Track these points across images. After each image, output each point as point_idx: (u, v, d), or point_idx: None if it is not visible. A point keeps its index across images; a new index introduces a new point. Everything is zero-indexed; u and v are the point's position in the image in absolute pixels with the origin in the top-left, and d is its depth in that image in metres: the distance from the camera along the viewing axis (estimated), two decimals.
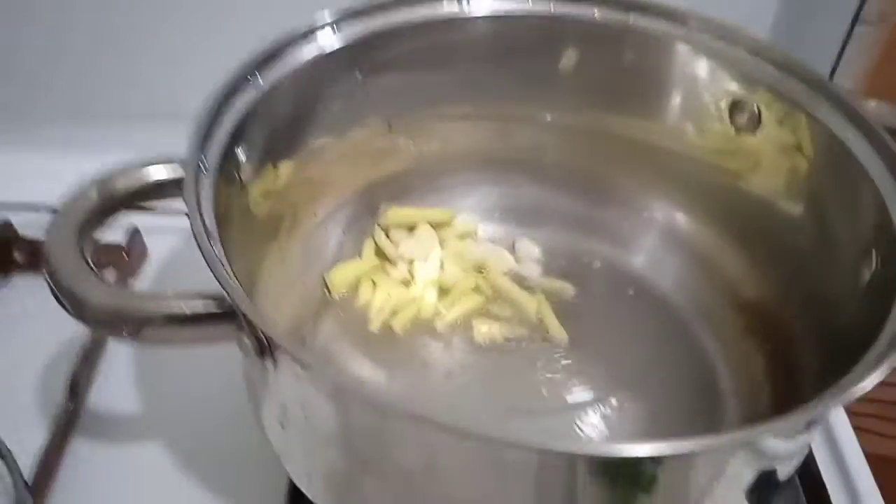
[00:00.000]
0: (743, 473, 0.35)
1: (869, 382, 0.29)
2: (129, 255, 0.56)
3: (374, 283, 0.53)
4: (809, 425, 0.36)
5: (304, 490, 0.38)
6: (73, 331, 0.51)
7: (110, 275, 0.55)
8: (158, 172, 0.37)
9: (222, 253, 0.32)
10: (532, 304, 0.53)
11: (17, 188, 0.60)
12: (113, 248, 0.56)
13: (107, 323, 0.33)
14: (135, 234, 0.57)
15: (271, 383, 0.34)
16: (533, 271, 0.55)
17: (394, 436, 0.30)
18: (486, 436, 0.26)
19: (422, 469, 0.30)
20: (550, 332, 0.51)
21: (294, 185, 0.47)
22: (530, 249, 0.57)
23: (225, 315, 0.33)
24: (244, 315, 0.30)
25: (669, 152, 0.51)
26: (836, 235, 0.43)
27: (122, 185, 0.36)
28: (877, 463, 0.50)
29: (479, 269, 0.55)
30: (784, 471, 0.38)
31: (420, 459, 0.30)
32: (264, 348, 0.32)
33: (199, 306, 0.33)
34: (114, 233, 0.56)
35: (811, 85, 0.44)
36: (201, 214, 0.33)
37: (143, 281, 0.57)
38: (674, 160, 0.51)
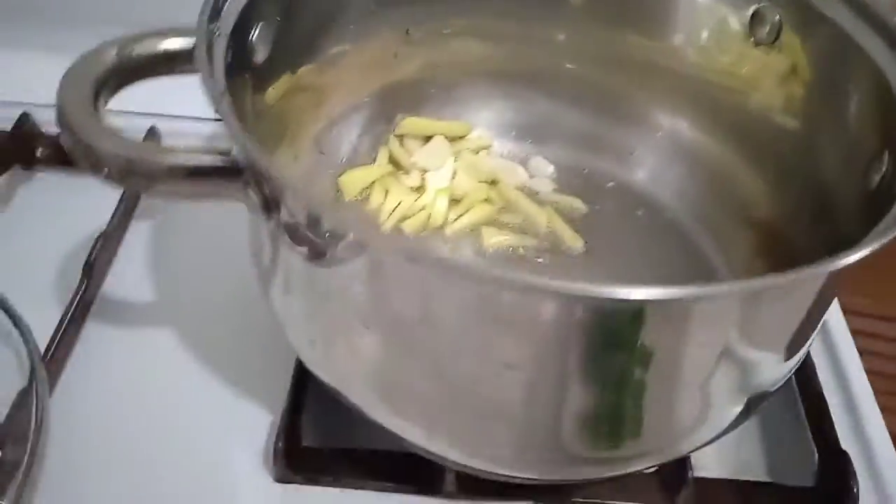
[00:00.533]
0: (738, 361, 0.35)
1: (862, 252, 0.29)
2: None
3: (386, 188, 0.54)
4: (806, 319, 0.36)
5: (306, 361, 0.39)
6: (94, 224, 0.52)
7: None
8: (176, 42, 0.37)
9: (231, 108, 0.32)
10: (542, 216, 0.53)
11: (41, 88, 0.61)
12: None
13: (119, 175, 0.33)
14: (152, 132, 0.57)
15: (275, 242, 0.34)
16: (545, 187, 0.56)
17: (395, 281, 0.30)
18: (483, 274, 0.26)
19: (421, 319, 0.31)
20: (565, 239, 0.52)
21: (309, 79, 0.48)
22: (544, 166, 0.57)
23: (233, 170, 0.33)
24: (252, 163, 0.31)
25: (685, 67, 0.51)
26: (849, 142, 0.43)
27: (140, 49, 0.36)
28: None
29: (492, 181, 0.55)
30: (779, 371, 0.38)
31: (420, 307, 0.31)
32: (270, 203, 0.32)
33: (209, 160, 0.33)
34: (129, 133, 0.57)
35: None
36: (212, 66, 0.33)
37: None
38: (689, 76, 0.51)
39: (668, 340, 0.32)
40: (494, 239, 0.52)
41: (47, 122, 0.59)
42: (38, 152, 0.58)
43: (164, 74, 0.38)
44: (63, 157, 0.57)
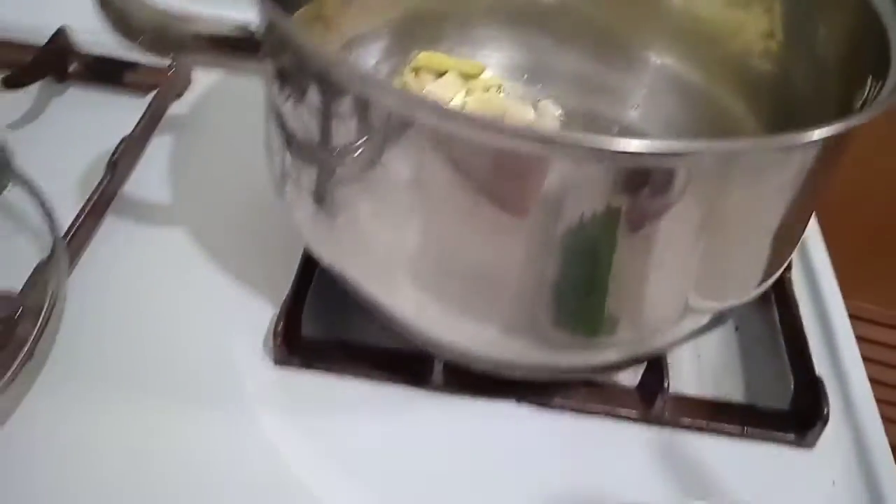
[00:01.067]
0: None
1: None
2: (174, 77, 0.60)
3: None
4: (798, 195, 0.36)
5: (308, 240, 0.41)
6: (121, 133, 0.55)
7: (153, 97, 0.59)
8: None
9: None
10: None
11: (79, 8, 0.65)
12: (158, 71, 0.60)
13: (151, 42, 0.36)
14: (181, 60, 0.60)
15: (289, 111, 0.37)
16: (551, 127, 0.58)
17: (385, 133, 0.32)
18: (483, 123, 0.29)
19: (414, 181, 0.33)
20: None
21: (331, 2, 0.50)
22: (551, 108, 0.59)
23: (251, 42, 0.36)
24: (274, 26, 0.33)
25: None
26: (834, 71, 0.45)
27: None
28: None
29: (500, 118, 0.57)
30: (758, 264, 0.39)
31: (415, 164, 0.33)
32: (286, 72, 0.35)
33: (231, 29, 0.36)
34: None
35: None
36: None
37: (184, 106, 0.61)
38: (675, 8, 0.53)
39: (647, 205, 0.33)
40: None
41: (82, 40, 0.62)
42: (71, 68, 0.61)
43: None
44: (94, 73, 0.61)
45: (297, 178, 0.39)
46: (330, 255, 0.40)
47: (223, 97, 0.62)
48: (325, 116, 0.34)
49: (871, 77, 0.41)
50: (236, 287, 0.48)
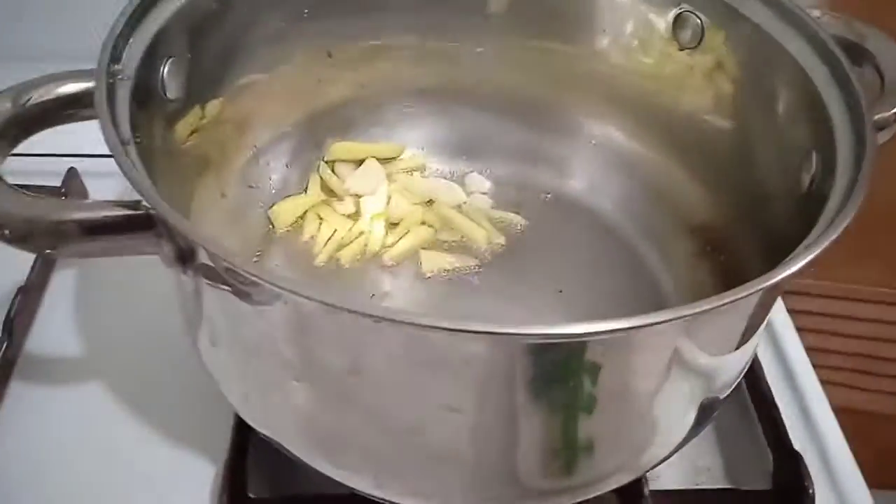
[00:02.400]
0: (685, 376, 0.34)
1: (794, 267, 0.29)
2: (67, 198, 0.54)
3: (319, 217, 0.52)
4: (749, 326, 0.35)
5: (242, 414, 0.37)
6: (10, 276, 0.50)
7: None
8: (76, 85, 0.35)
9: (137, 158, 0.31)
10: (481, 234, 0.52)
11: None
12: (49, 191, 0.54)
13: (22, 237, 0.31)
14: (72, 174, 0.55)
15: (195, 294, 0.33)
16: (482, 204, 0.55)
17: (316, 334, 0.29)
18: (415, 322, 0.25)
19: (352, 370, 0.30)
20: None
21: (230, 110, 0.46)
22: (480, 183, 0.56)
23: (143, 221, 0.31)
24: (157, 215, 0.29)
25: (613, 75, 0.51)
26: (780, 143, 0.43)
27: (38, 97, 0.34)
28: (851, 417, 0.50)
29: (428, 202, 0.54)
30: (727, 377, 0.38)
31: (349, 357, 0.29)
32: (185, 255, 0.31)
33: (116, 212, 0.31)
34: (50, 177, 0.55)
35: None
36: (113, 114, 0.32)
37: None
38: (617, 82, 0.51)
39: (612, 367, 0.31)
40: (433, 263, 0.51)
41: None
42: None
43: (65, 122, 0.36)
44: None
45: (218, 360, 0.34)
46: (269, 432, 0.36)
47: None
48: (233, 306, 0.30)
49: (814, 152, 0.39)
50: (167, 443, 0.44)
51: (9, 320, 0.46)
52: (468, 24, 0.51)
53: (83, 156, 0.57)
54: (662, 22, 0.48)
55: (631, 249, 0.51)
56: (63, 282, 0.51)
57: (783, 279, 0.29)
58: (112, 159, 0.56)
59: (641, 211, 0.52)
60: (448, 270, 0.51)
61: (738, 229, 0.47)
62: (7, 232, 0.32)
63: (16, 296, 0.47)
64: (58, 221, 0.31)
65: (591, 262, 0.51)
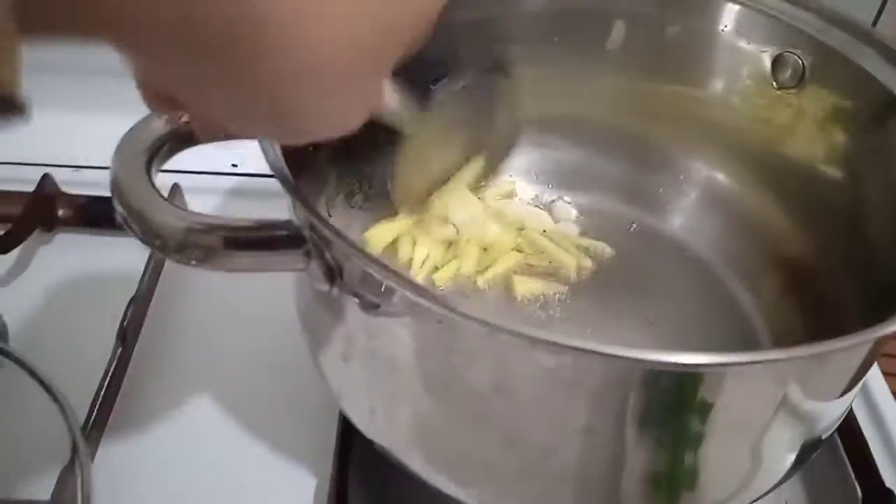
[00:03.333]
0: (794, 415, 0.35)
1: None
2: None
3: (413, 241, 0.53)
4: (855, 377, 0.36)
5: (363, 429, 0.38)
6: (121, 284, 0.52)
7: None
8: None
9: (289, 174, 0.32)
10: (571, 261, 0.53)
11: (58, 149, 0.61)
12: None
13: (176, 247, 0.33)
14: (175, 191, 0.57)
15: (337, 314, 0.34)
16: (571, 231, 0.56)
17: (465, 352, 0.30)
18: (571, 345, 0.26)
19: (489, 387, 0.31)
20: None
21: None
22: (567, 211, 0.57)
23: (294, 240, 0.33)
24: (318, 233, 0.31)
25: (710, 111, 0.52)
26: (881, 191, 0.43)
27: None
28: None
29: (519, 228, 0.55)
30: (833, 418, 0.39)
31: (489, 376, 0.30)
32: (334, 273, 0.32)
33: (269, 231, 0.33)
34: None
35: (857, 35, 0.44)
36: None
37: None
38: (714, 120, 0.52)
39: (728, 399, 0.32)
40: (525, 287, 0.52)
41: (68, 181, 0.58)
42: (60, 213, 0.57)
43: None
44: (84, 217, 0.57)
45: (345, 376, 0.36)
46: (391, 447, 0.37)
47: None
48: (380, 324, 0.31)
49: None
50: (271, 454, 0.45)
51: (122, 329, 0.48)
52: (581, 59, 0.52)
53: (184, 172, 0.59)
54: (764, 62, 0.49)
55: (721, 285, 0.52)
56: (170, 285, 0.53)
57: None
58: (209, 177, 0.60)
59: (731, 245, 0.53)
60: (538, 295, 0.52)
61: (832, 267, 0.48)
62: (158, 241, 0.34)
63: (128, 306, 0.49)
64: (210, 234, 0.33)
65: (680, 294, 0.52)
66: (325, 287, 0.33)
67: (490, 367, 0.30)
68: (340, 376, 0.37)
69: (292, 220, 0.33)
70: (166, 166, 0.57)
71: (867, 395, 0.51)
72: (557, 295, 0.52)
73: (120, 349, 0.47)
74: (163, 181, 0.56)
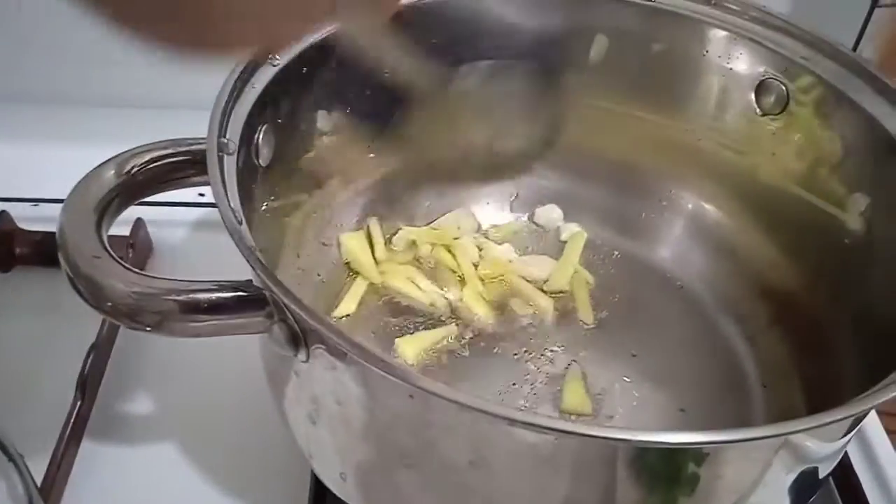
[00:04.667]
0: (786, 468, 0.33)
1: None
2: (134, 249, 0.54)
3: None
4: (854, 423, 0.35)
5: (335, 491, 0.36)
6: (78, 326, 0.49)
7: None
8: (178, 154, 0.35)
9: (249, 236, 0.30)
10: (548, 304, 0.51)
11: (15, 182, 0.59)
12: (116, 241, 0.53)
13: (128, 313, 0.31)
14: (139, 225, 0.55)
15: (303, 376, 0.32)
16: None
17: (440, 427, 0.28)
18: (545, 425, 0.24)
19: (466, 460, 0.29)
20: (579, 312, 0.50)
21: (310, 170, 0.46)
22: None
23: (254, 303, 0.31)
24: (279, 299, 0.29)
25: (693, 137, 0.50)
26: (870, 224, 0.42)
27: (141, 165, 0.34)
28: None
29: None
30: (825, 469, 0.37)
31: (466, 450, 0.29)
32: (297, 338, 0.30)
33: (227, 294, 0.31)
34: (116, 226, 0.54)
35: (841, 61, 0.43)
36: (227, 195, 0.31)
37: None
38: (698, 146, 0.50)
39: (717, 469, 0.30)
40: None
41: (26, 217, 0.56)
42: (17, 251, 0.54)
43: (169, 189, 0.36)
44: (41, 254, 0.54)
45: (315, 439, 0.34)
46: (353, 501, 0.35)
47: (200, 256, 0.56)
48: (351, 394, 0.29)
49: None
50: None
51: (82, 378, 0.46)
52: (554, 82, 0.51)
53: (148, 204, 0.56)
54: (748, 88, 0.47)
55: (707, 314, 0.51)
56: (132, 338, 0.51)
57: None
58: (176, 209, 0.57)
59: (717, 275, 0.52)
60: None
61: (820, 300, 0.46)
62: (109, 307, 0.31)
63: (88, 354, 0.47)
64: (164, 299, 0.31)
65: (664, 325, 0.51)
66: (289, 353, 0.31)
67: (465, 442, 0.28)
68: (309, 438, 0.35)
69: (252, 280, 0.31)
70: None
71: (860, 435, 0.50)
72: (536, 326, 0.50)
73: (79, 401, 0.45)
74: (125, 215, 0.54)
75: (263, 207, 0.40)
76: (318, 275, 0.49)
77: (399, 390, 0.27)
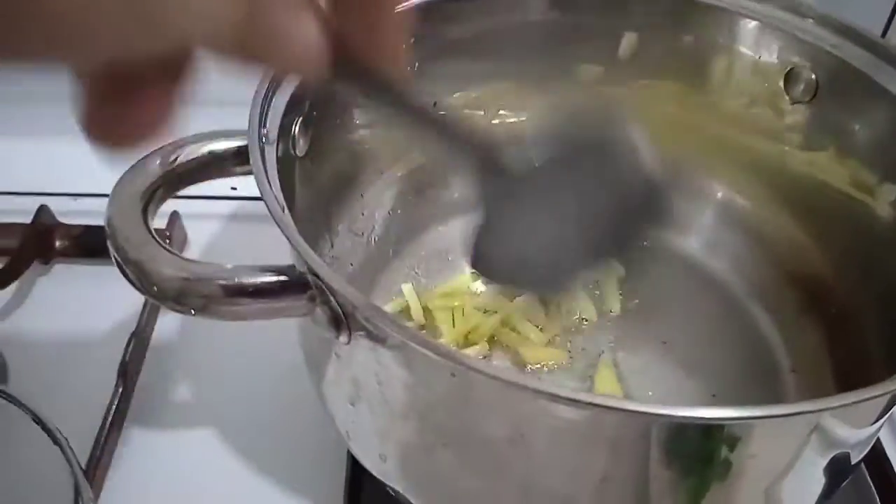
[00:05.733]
0: (818, 452, 0.34)
1: None
2: (170, 241, 0.55)
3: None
4: (886, 409, 0.35)
5: (374, 472, 0.37)
6: (120, 317, 0.51)
7: None
8: (220, 145, 0.36)
9: (292, 222, 0.31)
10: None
11: (55, 177, 0.60)
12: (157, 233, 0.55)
13: (175, 296, 0.32)
14: (175, 218, 0.56)
15: (344, 358, 0.33)
16: None
17: (480, 405, 0.29)
18: (584, 401, 0.25)
19: (506, 438, 0.30)
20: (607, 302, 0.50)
21: (342, 164, 0.47)
22: None
23: (297, 286, 0.32)
24: (323, 283, 0.29)
25: (724, 126, 0.50)
26: None
27: (184, 156, 0.35)
28: None
29: None
30: (857, 454, 0.37)
31: (506, 428, 0.29)
32: (339, 320, 0.31)
33: (270, 278, 0.32)
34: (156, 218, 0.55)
35: (869, 48, 0.43)
36: (269, 183, 0.32)
37: None
38: (728, 135, 0.50)
39: (752, 447, 0.30)
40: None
41: (65, 211, 0.57)
42: (57, 244, 0.56)
43: (211, 179, 0.37)
44: (81, 247, 0.56)
45: (355, 420, 0.35)
46: (403, 490, 0.36)
47: (233, 249, 0.58)
48: (391, 374, 0.30)
49: None
50: (278, 491, 0.44)
51: (123, 366, 0.47)
52: (585, 72, 0.51)
53: (183, 198, 0.58)
54: (777, 77, 0.47)
55: (738, 303, 0.51)
56: (171, 322, 0.52)
57: None
58: (209, 203, 0.58)
59: (746, 262, 0.52)
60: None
61: (850, 285, 0.47)
62: (156, 291, 0.32)
63: (128, 342, 0.48)
64: (209, 283, 0.32)
65: (694, 313, 0.51)
66: (331, 335, 0.31)
67: (505, 420, 0.29)
68: (348, 420, 0.36)
69: (294, 265, 0.32)
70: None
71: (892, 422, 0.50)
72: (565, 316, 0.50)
73: (121, 388, 0.46)
74: (162, 208, 0.56)
75: (300, 197, 0.41)
76: (351, 265, 0.49)
77: (441, 369, 0.28)
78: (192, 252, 0.58)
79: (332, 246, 0.48)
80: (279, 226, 0.30)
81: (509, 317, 0.49)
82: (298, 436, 0.46)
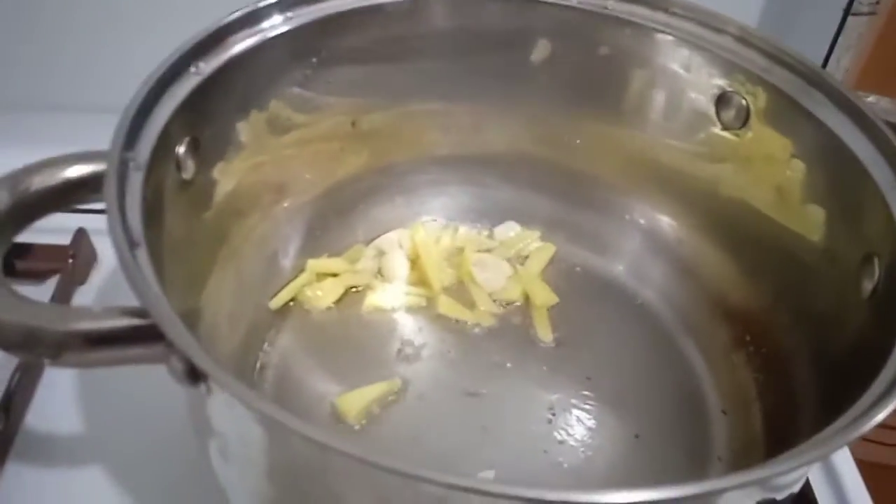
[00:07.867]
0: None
1: (880, 415, 0.26)
2: (75, 260, 0.52)
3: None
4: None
5: None
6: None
7: (53, 283, 0.50)
8: (80, 169, 0.33)
9: (147, 261, 0.28)
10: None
11: None
12: (56, 252, 0.52)
13: (19, 345, 0.29)
14: (80, 235, 0.52)
15: (208, 410, 0.30)
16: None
17: (334, 472, 0.26)
18: (421, 476, 0.22)
19: None
20: (538, 330, 0.48)
21: (248, 181, 0.44)
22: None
23: (153, 332, 0.28)
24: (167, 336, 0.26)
25: (651, 151, 0.48)
26: (831, 241, 0.40)
27: (39, 183, 0.32)
28: (870, 469, 0.47)
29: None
30: (783, 495, 0.35)
31: (364, 499, 0.27)
32: (197, 373, 0.28)
33: (124, 323, 0.29)
34: (57, 235, 0.52)
35: (804, 76, 0.41)
36: (123, 216, 0.29)
37: (92, 289, 0.53)
38: (656, 160, 0.48)
39: None
40: (447, 309, 0.49)
41: None
42: None
43: (69, 207, 0.34)
44: None
45: (228, 474, 0.32)
46: None
47: None
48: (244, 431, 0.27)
49: (876, 259, 0.36)
50: None
51: (7, 397, 0.43)
52: (498, 90, 0.49)
53: (93, 212, 0.54)
54: (708, 101, 0.45)
55: (665, 333, 0.49)
56: None
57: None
58: None
59: (676, 293, 0.50)
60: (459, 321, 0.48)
61: (782, 322, 0.44)
62: (4, 342, 0.29)
63: (13, 375, 0.44)
64: (60, 332, 0.29)
65: (622, 346, 0.49)
66: (187, 385, 0.28)
67: (371, 495, 0.26)
68: (223, 472, 0.33)
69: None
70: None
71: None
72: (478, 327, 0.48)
73: (3, 421, 0.43)
74: (66, 224, 0.53)
75: (190, 221, 0.38)
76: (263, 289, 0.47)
77: (286, 433, 0.25)
78: (101, 273, 0.54)
79: (239, 272, 0.45)
80: (123, 270, 0.27)
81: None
82: (187, 474, 0.42)
